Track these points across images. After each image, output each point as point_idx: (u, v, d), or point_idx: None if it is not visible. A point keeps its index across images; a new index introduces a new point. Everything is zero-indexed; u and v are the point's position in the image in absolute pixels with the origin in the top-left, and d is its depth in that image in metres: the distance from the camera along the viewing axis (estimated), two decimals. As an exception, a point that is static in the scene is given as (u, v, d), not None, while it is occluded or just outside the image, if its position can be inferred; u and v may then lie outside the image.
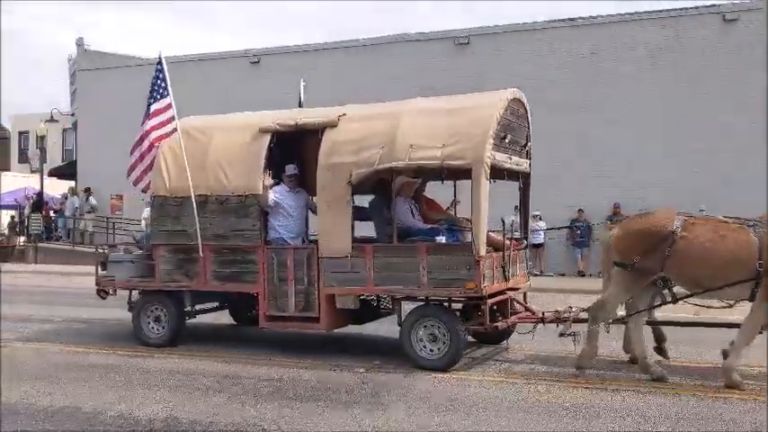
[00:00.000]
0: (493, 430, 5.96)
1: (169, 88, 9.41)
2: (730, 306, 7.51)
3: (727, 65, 19.06)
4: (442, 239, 8.29)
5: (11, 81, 74.34)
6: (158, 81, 9.47)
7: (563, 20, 21.23)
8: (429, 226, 8.73)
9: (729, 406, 6.56)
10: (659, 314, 8.43)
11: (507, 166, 8.52)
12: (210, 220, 9.07)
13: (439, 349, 7.97)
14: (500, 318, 8.63)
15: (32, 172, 35.86)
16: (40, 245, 26.58)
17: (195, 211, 9.02)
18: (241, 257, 8.95)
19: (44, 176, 29.27)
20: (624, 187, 19.45)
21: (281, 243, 8.90)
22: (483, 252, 7.76)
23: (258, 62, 24.61)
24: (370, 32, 55.99)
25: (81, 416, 6.48)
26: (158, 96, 9.42)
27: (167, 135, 9.36)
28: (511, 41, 21.43)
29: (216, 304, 10.46)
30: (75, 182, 28.24)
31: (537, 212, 17.43)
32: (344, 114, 8.80)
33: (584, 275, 19.59)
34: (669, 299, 7.89)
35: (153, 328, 9.57)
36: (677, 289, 7.75)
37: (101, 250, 10.54)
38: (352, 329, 9.48)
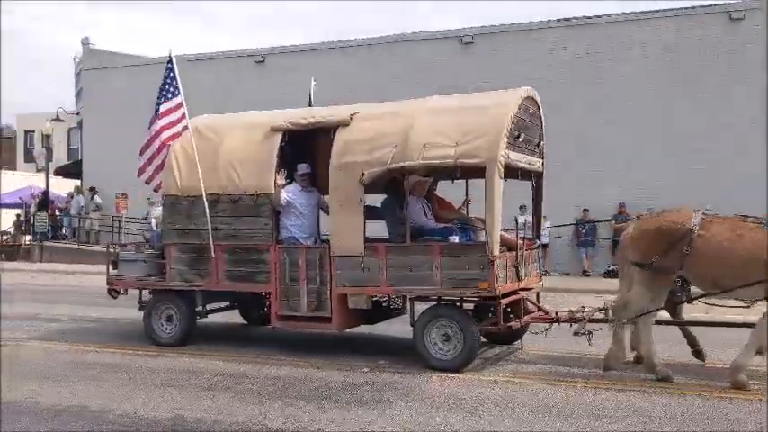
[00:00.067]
0: (496, 429, 5.95)
1: (180, 87, 9.39)
2: (747, 306, 7.46)
3: (729, 64, 18.98)
4: (455, 239, 8.26)
5: (11, 81, 74.49)
6: (169, 80, 9.44)
7: (565, 19, 21.14)
8: (442, 225, 8.70)
9: (734, 406, 6.54)
10: (665, 314, 8.36)
11: (521, 165, 8.47)
12: (222, 220, 9.04)
13: (452, 350, 7.94)
14: (513, 318, 8.61)
15: (38, 171, 35.85)
16: (45, 244, 26.61)
17: (207, 210, 9.00)
18: (253, 257, 8.92)
19: (50, 175, 29.27)
20: (624, 187, 19.40)
21: (293, 242, 8.88)
22: (497, 252, 7.73)
23: (263, 61, 24.59)
24: (369, 32, 55.98)
25: (88, 414, 6.48)
26: (169, 96, 9.38)
27: (178, 134, 9.34)
28: (508, 41, 21.38)
29: (226, 304, 10.44)
30: (81, 181, 28.26)
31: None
32: (357, 113, 8.77)
33: (588, 275, 19.56)
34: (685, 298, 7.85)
35: (164, 327, 9.56)
36: (693, 289, 7.72)
37: (112, 249, 10.51)
38: (362, 329, 9.46)
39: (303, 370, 8.12)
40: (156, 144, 9.46)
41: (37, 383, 7.58)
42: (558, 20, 21.13)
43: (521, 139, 8.40)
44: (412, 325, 8.27)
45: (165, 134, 9.29)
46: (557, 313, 8.54)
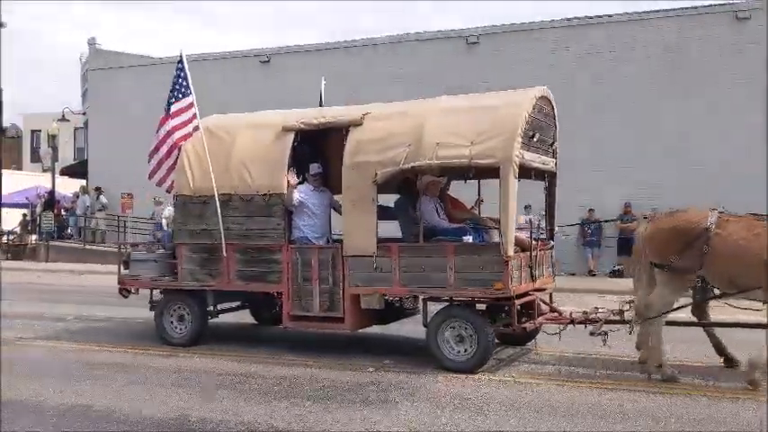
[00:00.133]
0: (502, 429, 5.92)
1: (191, 87, 9.36)
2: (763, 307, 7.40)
3: (733, 64, 18.89)
4: (469, 239, 8.22)
5: (11, 81, 74.60)
6: (179, 80, 9.41)
7: (567, 18, 21.08)
8: (455, 225, 8.67)
9: (741, 407, 6.49)
10: (682, 315, 8.28)
11: (534, 165, 8.43)
12: (234, 220, 9.02)
13: (466, 350, 7.90)
14: (526, 318, 8.57)
15: (44, 171, 35.91)
16: (51, 243, 26.61)
17: (219, 210, 8.98)
18: (265, 257, 8.89)
19: (56, 175, 29.30)
20: (626, 187, 19.32)
21: (305, 242, 8.85)
22: (511, 252, 7.70)
23: (268, 61, 24.57)
24: (370, 33, 55.99)
25: (92, 414, 6.47)
26: (180, 95, 9.35)
27: (190, 134, 9.31)
28: (511, 41, 21.32)
29: (238, 304, 10.42)
30: (87, 180, 28.27)
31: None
32: (368, 113, 8.74)
33: (594, 275, 19.50)
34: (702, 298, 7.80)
35: (176, 327, 9.54)
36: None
37: (123, 249, 10.50)
38: (374, 330, 9.43)
39: (310, 370, 8.10)
40: (168, 144, 9.42)
41: (40, 382, 7.56)
42: (561, 19, 21.08)
43: (535, 139, 8.37)
44: (425, 326, 8.23)
45: (177, 134, 9.26)
46: (571, 314, 8.50)
